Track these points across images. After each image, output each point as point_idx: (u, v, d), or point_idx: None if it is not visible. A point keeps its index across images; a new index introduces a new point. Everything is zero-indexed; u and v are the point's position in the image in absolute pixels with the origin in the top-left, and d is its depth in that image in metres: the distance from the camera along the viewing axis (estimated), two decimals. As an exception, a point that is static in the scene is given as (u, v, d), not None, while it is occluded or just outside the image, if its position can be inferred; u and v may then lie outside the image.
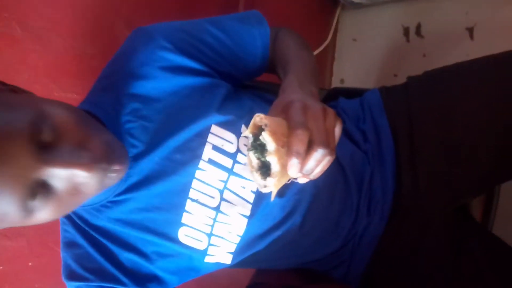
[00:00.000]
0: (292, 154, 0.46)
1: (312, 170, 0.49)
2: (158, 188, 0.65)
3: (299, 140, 0.46)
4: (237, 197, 0.68)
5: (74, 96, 0.87)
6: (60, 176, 0.49)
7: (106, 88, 0.69)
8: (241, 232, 0.70)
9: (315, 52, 1.53)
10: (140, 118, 0.65)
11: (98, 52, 0.91)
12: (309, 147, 0.48)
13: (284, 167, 0.48)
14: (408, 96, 0.80)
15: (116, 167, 0.54)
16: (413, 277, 0.73)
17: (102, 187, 0.54)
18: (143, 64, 0.67)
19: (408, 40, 1.49)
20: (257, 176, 0.50)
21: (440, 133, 0.73)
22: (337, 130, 0.51)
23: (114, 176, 0.54)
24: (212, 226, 0.68)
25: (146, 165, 0.65)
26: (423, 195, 0.73)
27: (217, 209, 0.68)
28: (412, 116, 0.77)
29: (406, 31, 1.49)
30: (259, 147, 0.50)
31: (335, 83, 1.67)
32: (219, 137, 0.66)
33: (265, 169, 0.50)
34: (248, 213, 0.69)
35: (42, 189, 0.49)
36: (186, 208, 0.67)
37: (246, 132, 0.50)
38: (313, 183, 0.71)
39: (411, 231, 0.74)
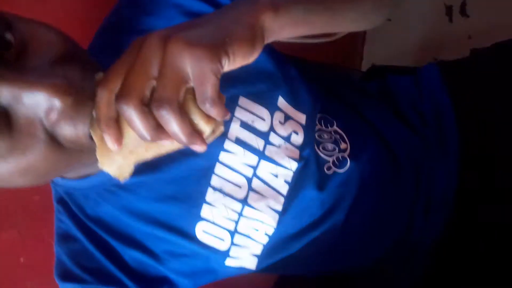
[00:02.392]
0: (97, 120, 0.35)
1: (152, 134, 0.34)
2: (173, 172, 0.54)
3: (99, 101, 0.34)
4: (268, 188, 0.57)
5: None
6: (23, 101, 0.35)
7: (107, 45, 0.57)
8: (271, 231, 0.59)
9: (343, 33, 1.40)
10: None
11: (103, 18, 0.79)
12: None
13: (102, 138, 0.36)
14: (477, 72, 0.68)
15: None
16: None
17: (82, 140, 0.40)
18: (150, 13, 0.55)
19: (451, 20, 1.36)
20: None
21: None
22: (190, 65, 0.32)
23: None
24: (237, 222, 0.57)
25: None
26: (497, 194, 0.61)
27: (244, 201, 0.56)
28: (483, 95, 0.65)
29: (448, 10, 1.37)
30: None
31: (366, 68, 1.54)
32: (249, 111, 0.55)
33: None
34: (280, 207, 0.58)
35: None
36: (207, 198, 0.56)
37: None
38: (360, 175, 0.60)
39: (481, 240, 0.62)
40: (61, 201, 0.59)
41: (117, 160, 0.37)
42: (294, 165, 0.57)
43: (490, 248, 0.64)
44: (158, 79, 0.32)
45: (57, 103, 0.35)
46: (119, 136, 0.35)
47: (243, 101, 0.54)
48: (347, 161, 0.60)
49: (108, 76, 0.34)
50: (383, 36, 1.52)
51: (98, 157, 0.37)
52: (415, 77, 0.74)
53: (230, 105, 0.54)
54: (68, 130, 0.38)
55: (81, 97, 0.37)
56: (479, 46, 0.78)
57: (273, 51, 0.63)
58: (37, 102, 0.36)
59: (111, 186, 0.55)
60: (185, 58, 0.32)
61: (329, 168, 0.59)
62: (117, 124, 0.35)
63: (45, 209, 0.75)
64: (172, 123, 0.33)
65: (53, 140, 0.38)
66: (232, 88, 0.54)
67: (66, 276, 0.58)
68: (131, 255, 0.58)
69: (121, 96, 0.32)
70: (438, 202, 0.65)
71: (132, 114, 0.32)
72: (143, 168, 0.53)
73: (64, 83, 0.35)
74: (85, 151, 0.41)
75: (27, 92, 0.35)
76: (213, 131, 0.37)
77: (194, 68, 0.32)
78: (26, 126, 0.37)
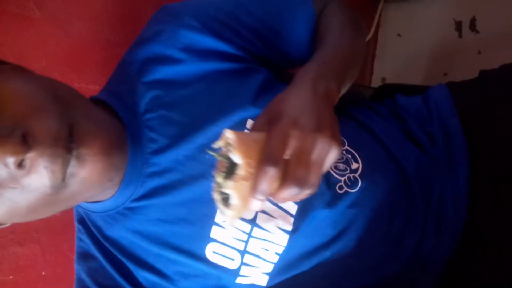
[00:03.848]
0: (255, 192, 0.39)
1: (283, 202, 0.43)
2: (183, 194, 0.56)
3: (266, 180, 0.39)
4: (277, 208, 0.58)
5: (96, 87, 0.80)
6: None
7: (124, 76, 0.61)
8: (281, 250, 0.60)
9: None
10: (161, 106, 0.56)
11: (123, 40, 0.83)
12: (284, 177, 0.39)
13: (246, 199, 0.40)
14: (485, 94, 0.68)
15: (83, 150, 0.43)
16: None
17: (63, 183, 0.44)
18: (166, 45, 0.58)
19: (460, 36, 1.36)
20: (217, 198, 0.42)
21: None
22: (329, 160, 0.42)
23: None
24: (246, 242, 0.59)
25: (169, 164, 0.56)
26: (505, 212, 0.61)
27: (253, 222, 0.58)
28: (491, 116, 0.65)
29: (458, 26, 1.36)
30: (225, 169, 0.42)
31: (376, 83, 1.55)
32: None
33: (226, 196, 0.42)
34: (289, 227, 0.58)
35: None
36: (216, 220, 0.57)
37: (217, 143, 0.42)
38: (372, 195, 0.61)
39: (489, 256, 0.62)
40: (82, 221, 0.62)
41: (241, 214, 0.43)
42: None
43: (501, 264, 0.63)
44: (311, 170, 0.41)
45: (9, 161, 0.40)
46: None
47: (251, 124, 0.55)
48: (359, 182, 0.60)
49: (278, 158, 0.39)
50: (393, 51, 1.52)
51: (231, 216, 0.41)
52: (424, 97, 0.74)
53: (239, 127, 0.55)
54: (42, 180, 0.43)
55: (58, 150, 0.42)
56: (488, 61, 0.78)
57: (287, 74, 0.66)
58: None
59: (123, 209, 0.57)
60: (332, 150, 0.42)
61: (341, 188, 0.60)
62: None
63: (66, 225, 0.77)
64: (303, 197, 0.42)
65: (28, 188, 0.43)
66: (243, 111, 0.56)
67: None
68: (144, 276, 0.60)
69: (302, 184, 0.39)
70: (449, 220, 0.65)
71: (299, 194, 0.40)
72: (154, 192, 0.56)
73: (15, 142, 0.39)
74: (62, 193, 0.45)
75: None
76: None
77: (333, 159, 0.43)
78: None
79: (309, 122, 0.42)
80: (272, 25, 0.64)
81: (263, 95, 0.58)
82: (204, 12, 0.60)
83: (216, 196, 0.43)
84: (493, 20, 1.29)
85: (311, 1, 0.66)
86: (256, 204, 0.39)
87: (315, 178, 0.41)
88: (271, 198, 0.42)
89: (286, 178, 0.40)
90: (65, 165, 0.43)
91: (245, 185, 0.40)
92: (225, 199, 0.42)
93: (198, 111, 0.56)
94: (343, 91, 0.55)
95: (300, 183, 0.39)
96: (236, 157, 0.39)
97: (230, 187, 0.40)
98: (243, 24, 0.62)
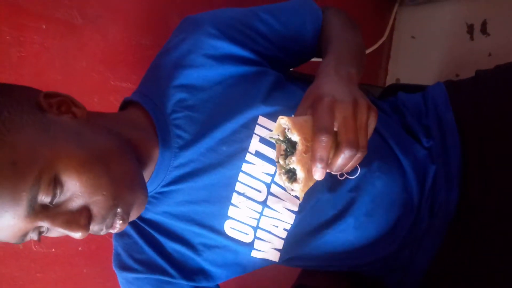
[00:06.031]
0: (315, 160, 0.46)
1: (341, 169, 0.48)
2: (204, 180, 0.64)
3: (322, 147, 0.45)
4: (285, 192, 0.65)
5: (129, 85, 0.89)
6: (53, 229, 0.52)
7: (154, 80, 0.69)
8: (288, 227, 0.67)
9: (369, 50, 1.47)
10: (186, 108, 0.65)
11: (152, 43, 0.92)
12: (337, 147, 0.46)
13: (309, 171, 0.47)
14: (478, 91, 0.73)
15: (116, 229, 0.55)
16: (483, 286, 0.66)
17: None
18: (189, 52, 0.66)
19: (472, 38, 1.39)
20: (284, 179, 0.49)
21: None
22: (371, 124, 0.50)
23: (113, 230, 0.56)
24: (259, 220, 0.66)
25: (193, 156, 0.64)
26: (493, 196, 0.67)
27: (264, 203, 0.65)
28: (482, 112, 0.71)
29: (470, 29, 1.39)
30: (283, 152, 0.49)
31: (390, 83, 1.60)
32: (267, 128, 0.64)
33: (291, 173, 0.48)
34: (296, 208, 0.66)
35: (38, 229, 0.52)
36: (232, 201, 0.65)
37: (273, 132, 0.49)
38: (370, 181, 0.68)
39: (479, 236, 0.67)
40: None
41: (309, 187, 0.50)
42: None
43: (492, 243, 0.67)
44: (358, 133, 0.48)
45: (80, 236, 0.52)
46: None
47: (262, 120, 0.63)
48: (358, 169, 0.66)
49: (328, 126, 0.46)
50: (407, 53, 1.57)
51: (301, 189, 0.48)
52: (423, 94, 0.80)
53: (251, 124, 0.63)
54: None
55: (103, 228, 0.54)
56: (498, 63, 0.82)
57: (299, 76, 0.73)
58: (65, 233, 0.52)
59: (155, 194, 0.66)
60: (371, 116, 0.50)
61: (341, 175, 0.67)
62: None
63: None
64: (359, 161, 0.49)
65: None
66: (254, 109, 0.64)
67: (121, 266, 0.69)
68: (174, 247, 0.68)
69: (355, 146, 0.46)
70: (442, 203, 0.70)
71: (353, 157, 0.47)
72: (180, 179, 0.65)
73: (86, 226, 0.51)
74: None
75: (57, 228, 0.51)
76: None
77: (373, 124, 0.50)
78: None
79: (346, 95, 0.49)
80: (284, 30, 0.72)
81: (273, 94, 0.66)
82: (222, 20, 0.68)
83: (282, 177, 0.50)
84: (504, 23, 1.32)
85: (317, 6, 0.74)
86: (318, 172, 0.46)
87: (363, 141, 0.47)
88: (330, 169, 0.48)
89: (340, 144, 0.46)
90: (107, 231, 0.55)
91: (306, 157, 0.47)
92: (290, 178, 0.49)
93: (217, 111, 0.64)
94: (360, 75, 0.63)
95: (352, 145, 0.45)
96: (294, 135, 0.47)
97: (293, 162, 0.47)
98: (256, 31, 0.69)
